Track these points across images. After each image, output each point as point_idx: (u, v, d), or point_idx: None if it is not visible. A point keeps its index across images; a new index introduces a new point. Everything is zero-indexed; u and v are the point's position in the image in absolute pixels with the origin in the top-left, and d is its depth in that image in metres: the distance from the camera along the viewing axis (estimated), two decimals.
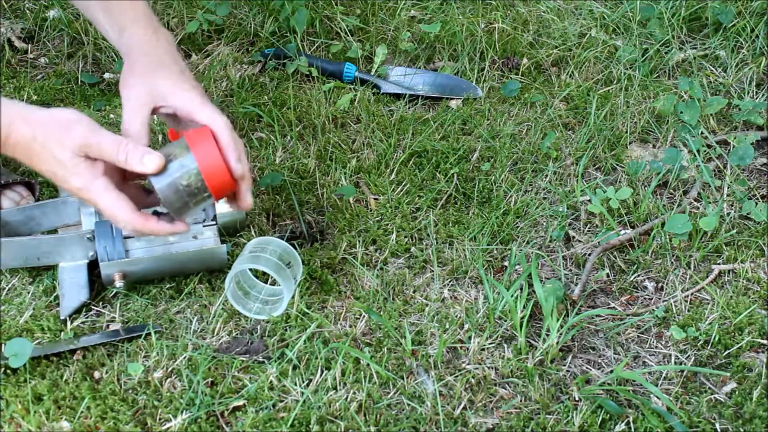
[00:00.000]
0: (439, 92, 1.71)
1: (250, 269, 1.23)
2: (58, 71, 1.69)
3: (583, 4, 1.94)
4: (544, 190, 1.48)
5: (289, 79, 1.69)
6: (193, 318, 1.20)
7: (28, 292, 1.22)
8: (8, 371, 1.10)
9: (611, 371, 1.16)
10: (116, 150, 1.05)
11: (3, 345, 1.12)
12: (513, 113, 1.66)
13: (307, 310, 1.21)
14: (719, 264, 1.34)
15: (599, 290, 1.31)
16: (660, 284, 1.31)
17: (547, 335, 1.17)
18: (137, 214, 1.07)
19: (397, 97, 1.70)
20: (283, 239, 1.25)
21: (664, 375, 1.16)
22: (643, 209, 1.42)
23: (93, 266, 1.22)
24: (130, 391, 1.09)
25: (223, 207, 1.27)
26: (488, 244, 1.36)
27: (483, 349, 1.18)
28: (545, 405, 1.11)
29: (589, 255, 1.34)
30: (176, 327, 1.19)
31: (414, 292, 1.27)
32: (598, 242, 1.36)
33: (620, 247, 1.37)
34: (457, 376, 1.14)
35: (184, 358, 1.13)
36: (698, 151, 1.50)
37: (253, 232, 1.33)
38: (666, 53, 1.80)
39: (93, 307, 1.21)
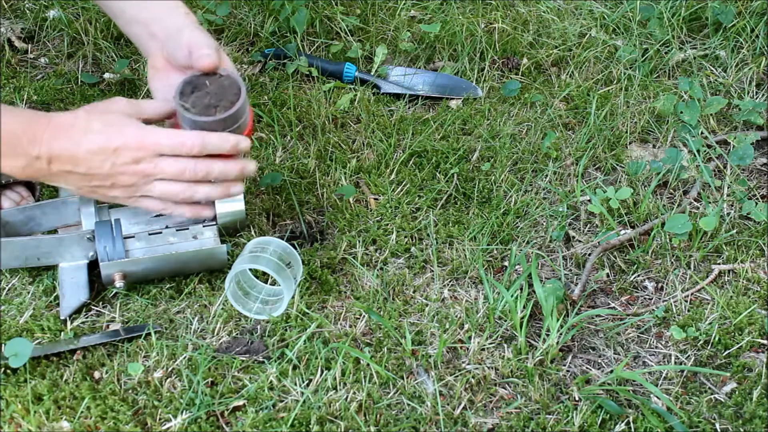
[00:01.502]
0: (439, 92, 1.71)
1: (251, 269, 1.23)
2: (58, 71, 1.69)
3: (583, 4, 1.94)
4: (544, 190, 1.48)
5: (289, 79, 1.69)
6: (193, 318, 1.20)
7: (28, 292, 1.22)
8: (8, 371, 1.10)
9: (611, 371, 1.16)
10: (157, 103, 1.13)
11: (3, 345, 1.12)
12: (513, 113, 1.66)
13: (307, 310, 1.21)
14: (719, 264, 1.34)
15: (599, 290, 1.31)
16: (660, 284, 1.31)
17: (547, 335, 1.17)
18: (198, 131, 1.08)
19: (397, 97, 1.70)
20: (283, 239, 1.25)
21: (664, 375, 1.16)
22: (643, 209, 1.42)
23: (93, 266, 1.22)
24: (130, 391, 1.09)
25: (223, 207, 1.27)
26: (488, 244, 1.36)
27: (483, 349, 1.18)
28: (545, 405, 1.11)
29: (589, 255, 1.34)
30: (176, 327, 1.19)
31: (414, 292, 1.27)
32: (598, 242, 1.36)
33: (620, 247, 1.37)
34: (457, 376, 1.14)
35: (184, 358, 1.13)
36: (698, 151, 1.50)
37: (253, 232, 1.33)
38: (666, 53, 1.80)
39: (93, 307, 1.21)
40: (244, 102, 1.11)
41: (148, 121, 1.11)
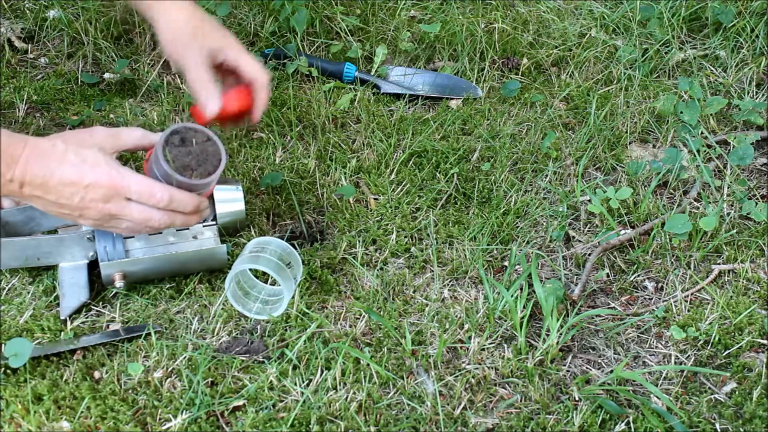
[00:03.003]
0: (439, 92, 1.71)
1: (251, 269, 1.23)
2: (58, 71, 1.69)
3: (583, 4, 1.94)
4: (544, 190, 1.48)
5: (289, 79, 1.69)
6: (193, 318, 1.20)
7: (28, 292, 1.22)
8: (8, 371, 1.10)
9: (611, 371, 1.16)
10: (137, 133, 1.14)
11: (3, 345, 1.12)
12: (513, 113, 1.66)
13: (307, 310, 1.21)
14: (719, 264, 1.34)
15: (599, 290, 1.31)
16: (660, 284, 1.31)
17: (547, 335, 1.17)
18: (168, 186, 1.10)
19: (397, 97, 1.70)
20: (283, 239, 1.25)
21: (664, 375, 1.16)
22: (643, 209, 1.42)
23: (93, 266, 1.22)
24: (130, 391, 1.09)
25: (223, 207, 1.27)
26: (488, 244, 1.36)
27: (483, 349, 1.18)
28: (545, 405, 1.11)
29: (589, 255, 1.34)
30: (176, 327, 1.19)
31: (414, 292, 1.27)
32: (598, 242, 1.36)
33: (620, 247, 1.37)
34: (457, 376, 1.14)
35: (184, 358, 1.13)
36: (698, 151, 1.50)
37: (253, 232, 1.33)
38: (666, 53, 1.80)
39: (93, 307, 1.21)
40: (219, 174, 1.15)
41: (127, 152, 1.14)
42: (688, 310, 1.26)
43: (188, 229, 1.25)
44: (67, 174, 1.05)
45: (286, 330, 1.19)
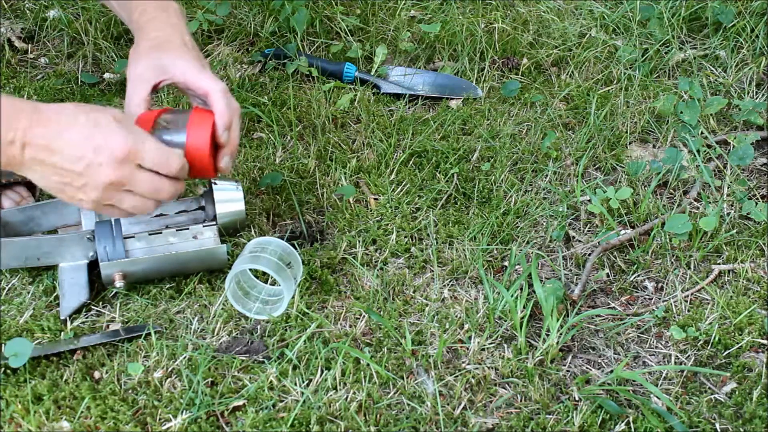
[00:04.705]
0: (439, 92, 1.71)
1: (251, 269, 1.23)
2: (58, 71, 1.69)
3: (583, 4, 1.94)
4: (544, 190, 1.48)
5: (289, 79, 1.69)
6: (193, 318, 1.20)
7: (28, 292, 1.22)
8: (8, 371, 1.10)
9: (611, 371, 1.16)
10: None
11: (3, 345, 1.12)
12: (513, 113, 1.66)
13: (307, 310, 1.21)
14: (719, 264, 1.34)
15: (599, 290, 1.31)
16: (660, 284, 1.31)
17: (547, 335, 1.17)
18: (182, 154, 1.08)
19: (397, 97, 1.70)
20: (283, 239, 1.25)
21: (664, 375, 1.16)
22: (643, 209, 1.42)
23: (93, 266, 1.22)
24: (130, 391, 1.09)
25: (223, 207, 1.27)
26: (488, 244, 1.36)
27: (483, 349, 1.18)
28: (545, 405, 1.11)
29: (589, 255, 1.34)
30: (176, 327, 1.19)
31: (414, 292, 1.27)
32: (598, 242, 1.36)
33: (620, 247, 1.37)
34: (457, 376, 1.14)
35: (184, 358, 1.13)
36: (698, 151, 1.50)
37: (253, 232, 1.33)
38: (666, 53, 1.80)
39: (93, 307, 1.21)
40: None
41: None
42: (688, 310, 1.26)
43: (188, 228, 1.25)
44: (75, 134, 0.97)
45: (286, 330, 1.19)
